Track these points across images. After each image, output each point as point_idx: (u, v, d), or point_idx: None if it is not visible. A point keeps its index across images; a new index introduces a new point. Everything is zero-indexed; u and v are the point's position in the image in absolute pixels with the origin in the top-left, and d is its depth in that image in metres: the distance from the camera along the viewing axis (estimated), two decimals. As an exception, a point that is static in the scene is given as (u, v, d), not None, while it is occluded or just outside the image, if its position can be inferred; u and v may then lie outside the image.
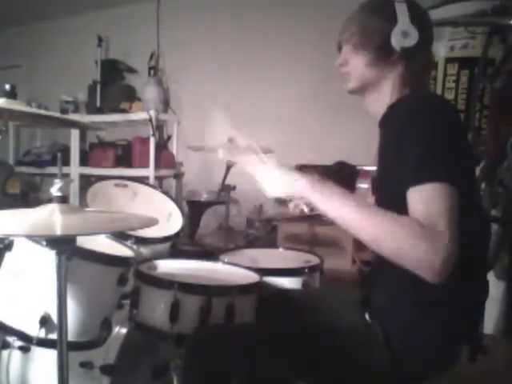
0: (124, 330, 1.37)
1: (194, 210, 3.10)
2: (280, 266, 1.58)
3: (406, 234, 0.85)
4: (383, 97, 1.10)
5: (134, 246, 1.51)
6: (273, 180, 1.05)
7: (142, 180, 2.28)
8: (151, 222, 1.02)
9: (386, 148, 1.06)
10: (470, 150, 1.08)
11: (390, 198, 1.03)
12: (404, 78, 1.08)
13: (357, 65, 1.12)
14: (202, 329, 1.17)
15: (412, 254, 0.85)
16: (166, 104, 3.56)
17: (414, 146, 0.92)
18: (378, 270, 1.13)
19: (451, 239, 0.84)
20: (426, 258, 0.83)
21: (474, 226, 0.98)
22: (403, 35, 1.03)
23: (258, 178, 1.07)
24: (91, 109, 3.55)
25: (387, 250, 0.88)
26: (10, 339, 1.28)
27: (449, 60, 2.15)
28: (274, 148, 2.66)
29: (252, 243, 2.89)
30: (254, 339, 1.08)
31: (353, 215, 0.93)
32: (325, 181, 1.01)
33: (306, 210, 1.41)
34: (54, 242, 0.97)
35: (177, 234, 1.80)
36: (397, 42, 1.04)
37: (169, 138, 3.42)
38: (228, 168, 2.56)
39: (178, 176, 3.41)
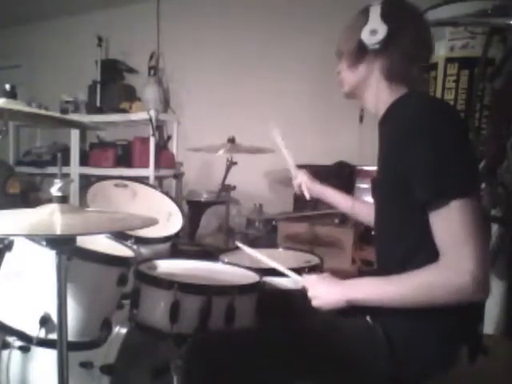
0: (124, 330, 1.37)
1: (193, 210, 3.10)
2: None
3: (431, 288, 0.93)
4: (374, 95, 1.13)
5: (134, 246, 1.51)
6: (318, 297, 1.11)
7: (142, 180, 2.27)
8: (151, 222, 1.03)
9: (387, 150, 1.08)
10: (472, 150, 1.08)
11: (389, 199, 1.05)
12: (387, 75, 1.11)
13: (343, 71, 1.18)
14: (202, 330, 1.17)
15: (449, 298, 0.92)
16: (166, 104, 3.56)
17: (424, 160, 0.94)
18: (379, 271, 1.13)
19: (476, 261, 0.88)
20: (460, 293, 0.90)
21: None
22: (371, 33, 1.08)
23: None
24: (91, 109, 3.54)
25: (429, 306, 0.95)
26: (10, 339, 1.28)
27: (449, 60, 2.15)
28: (274, 148, 2.66)
29: (252, 243, 2.88)
30: (253, 340, 1.08)
31: (386, 296, 1.01)
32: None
33: (306, 195, 1.48)
34: (54, 241, 0.97)
35: (177, 234, 1.80)
36: (366, 40, 1.08)
37: (169, 138, 3.41)
38: (228, 168, 2.56)
39: (178, 176, 3.41)
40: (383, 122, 1.12)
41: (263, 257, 1.32)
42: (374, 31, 1.07)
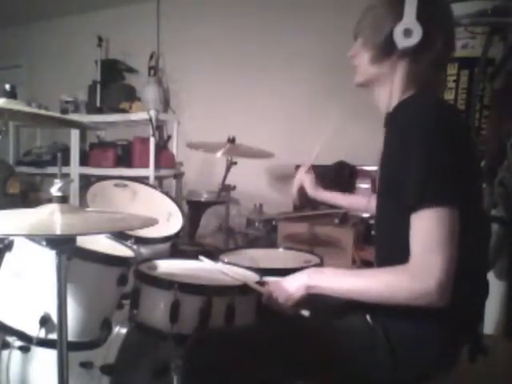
0: (124, 330, 1.37)
1: (193, 210, 3.09)
2: (280, 265, 1.58)
3: (397, 291, 0.94)
4: (387, 95, 1.08)
5: (134, 246, 1.51)
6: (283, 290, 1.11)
7: (142, 180, 2.27)
8: (151, 222, 1.03)
9: (389, 151, 1.05)
10: (475, 154, 1.08)
11: (387, 198, 1.05)
12: (409, 78, 1.05)
13: (362, 60, 1.11)
14: (202, 329, 1.17)
15: (410, 302, 0.93)
16: (166, 104, 3.55)
17: (416, 163, 0.92)
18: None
19: (443, 271, 0.89)
20: (422, 299, 0.91)
21: (473, 226, 0.98)
22: (405, 34, 0.99)
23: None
24: (91, 109, 3.54)
25: (390, 303, 0.96)
26: (10, 339, 1.28)
27: (449, 60, 2.15)
28: (274, 148, 2.66)
29: (252, 243, 2.88)
30: (253, 340, 1.08)
31: (351, 288, 1.02)
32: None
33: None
34: (54, 241, 0.97)
35: (177, 234, 1.80)
36: (398, 40, 1.00)
37: (169, 137, 3.41)
38: (228, 168, 2.56)
39: (178, 176, 3.41)
40: (389, 120, 1.09)
41: (229, 270, 1.36)
42: (409, 32, 0.98)
